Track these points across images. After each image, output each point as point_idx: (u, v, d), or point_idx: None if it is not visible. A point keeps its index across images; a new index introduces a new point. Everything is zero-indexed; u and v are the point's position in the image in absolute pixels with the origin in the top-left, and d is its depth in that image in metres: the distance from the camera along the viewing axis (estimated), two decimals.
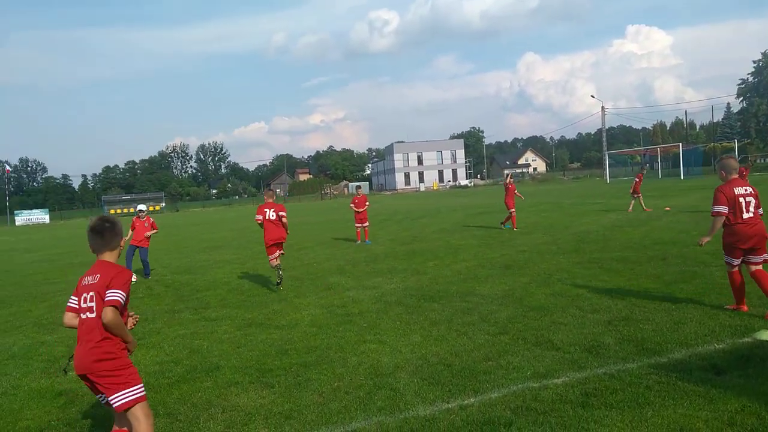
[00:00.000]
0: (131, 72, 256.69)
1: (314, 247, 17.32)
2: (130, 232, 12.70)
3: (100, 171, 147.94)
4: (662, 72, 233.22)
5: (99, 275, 3.75)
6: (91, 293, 3.70)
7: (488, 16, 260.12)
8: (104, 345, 3.66)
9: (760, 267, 6.42)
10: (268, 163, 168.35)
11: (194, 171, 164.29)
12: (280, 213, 10.09)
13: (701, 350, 5.38)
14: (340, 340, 6.73)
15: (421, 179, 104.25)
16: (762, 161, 66.93)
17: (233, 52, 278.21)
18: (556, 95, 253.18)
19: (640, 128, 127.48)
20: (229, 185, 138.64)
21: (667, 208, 20.13)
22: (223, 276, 12.68)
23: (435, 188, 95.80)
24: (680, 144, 61.46)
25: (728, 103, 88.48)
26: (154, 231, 13.09)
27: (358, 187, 20.29)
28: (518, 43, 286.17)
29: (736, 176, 6.64)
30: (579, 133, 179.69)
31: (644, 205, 20.56)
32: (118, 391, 3.66)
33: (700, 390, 4.47)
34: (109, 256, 3.88)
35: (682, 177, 52.99)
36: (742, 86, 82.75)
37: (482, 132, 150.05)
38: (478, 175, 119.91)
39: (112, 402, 3.67)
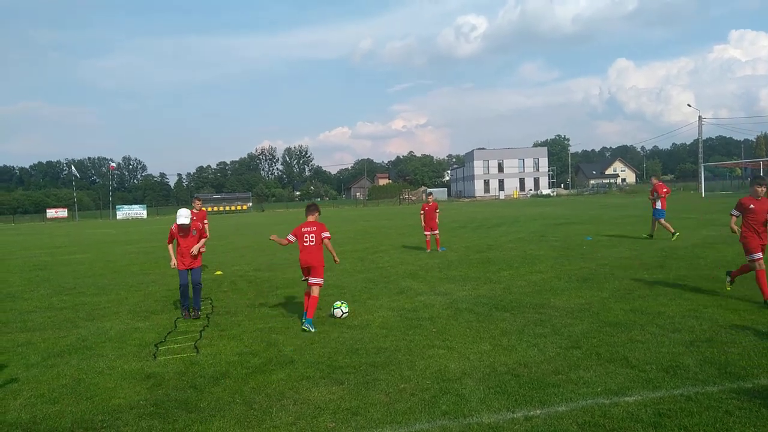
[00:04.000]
0: (226, 77, 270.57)
1: (389, 250, 17.54)
2: (170, 246, 9.35)
3: (194, 170, 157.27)
4: None
5: (315, 227, 8.08)
6: (312, 235, 8.02)
7: (580, 20, 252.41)
8: (321, 255, 8.16)
9: None
10: (349, 167, 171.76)
11: (280, 173, 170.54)
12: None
13: None
14: (409, 343, 6.84)
15: (501, 187, 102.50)
16: None
17: (322, 58, 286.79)
18: (649, 103, 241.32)
19: (741, 140, 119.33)
20: (312, 188, 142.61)
21: None
22: (301, 275, 13.08)
23: (515, 196, 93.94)
24: None
25: None
26: (204, 240, 9.76)
27: (429, 193, 19.13)
28: (610, 48, 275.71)
29: None
30: (673, 143, 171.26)
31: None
32: (319, 277, 8.08)
33: None
34: (313, 218, 8.21)
35: None
36: None
37: (568, 140, 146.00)
38: (562, 185, 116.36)
39: (312, 281, 8.13)
